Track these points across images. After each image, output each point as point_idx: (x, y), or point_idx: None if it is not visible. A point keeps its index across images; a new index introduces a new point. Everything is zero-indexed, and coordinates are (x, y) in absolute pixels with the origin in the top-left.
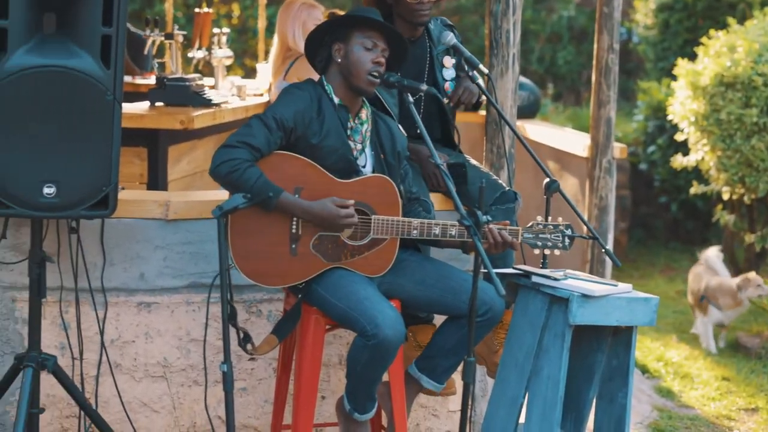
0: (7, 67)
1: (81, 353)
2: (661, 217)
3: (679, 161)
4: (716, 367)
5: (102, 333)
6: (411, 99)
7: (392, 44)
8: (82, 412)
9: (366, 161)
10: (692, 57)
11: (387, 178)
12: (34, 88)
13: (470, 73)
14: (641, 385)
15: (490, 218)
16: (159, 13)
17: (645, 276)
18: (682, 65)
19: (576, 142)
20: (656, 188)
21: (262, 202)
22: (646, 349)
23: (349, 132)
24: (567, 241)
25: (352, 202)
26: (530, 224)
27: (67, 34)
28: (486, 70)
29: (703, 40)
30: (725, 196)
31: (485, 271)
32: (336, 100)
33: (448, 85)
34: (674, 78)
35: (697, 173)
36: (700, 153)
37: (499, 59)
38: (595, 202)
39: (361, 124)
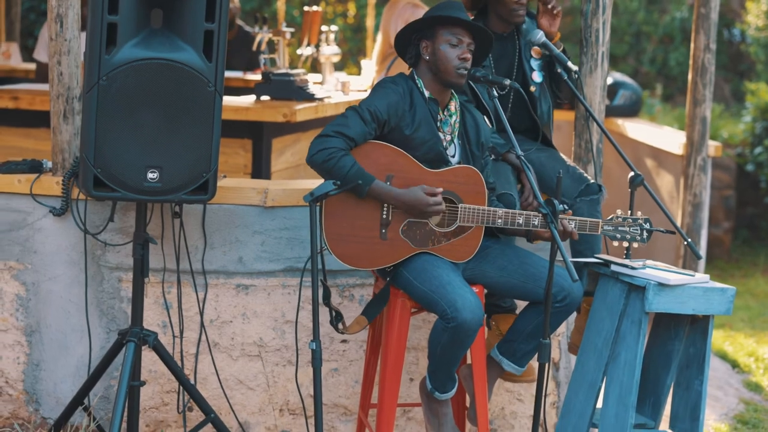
0: (116, 60)
1: (181, 332)
2: (766, 218)
3: None
4: None
5: (202, 313)
6: (496, 93)
7: (477, 37)
8: (182, 388)
9: (455, 151)
10: None
11: (474, 168)
12: (141, 79)
13: (558, 70)
14: (730, 379)
15: (566, 207)
16: (275, 12)
17: (747, 275)
18: None
19: (673, 141)
20: (762, 189)
21: (353, 188)
22: (738, 345)
23: (438, 124)
24: (645, 234)
25: (440, 190)
26: (610, 217)
27: (173, 29)
28: (575, 68)
29: None
30: None
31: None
32: (427, 93)
33: (536, 74)
34: None
35: None
36: None
37: (588, 57)
38: (689, 199)
39: (450, 116)
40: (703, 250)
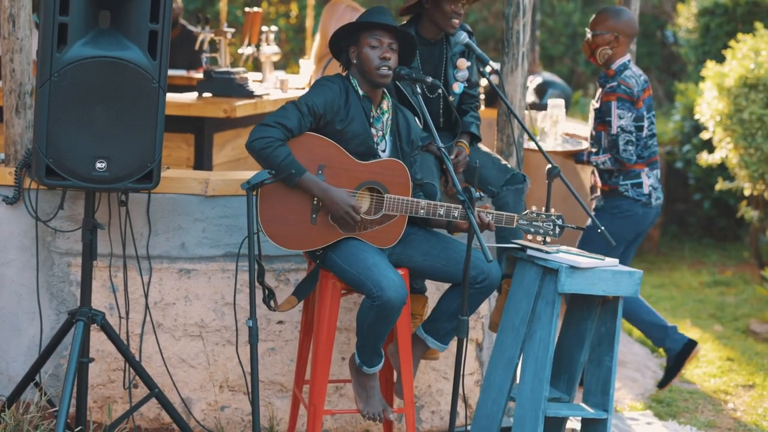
0: (66, 57)
1: (127, 313)
2: (694, 214)
3: (704, 158)
4: (723, 348)
5: (146, 296)
6: (419, 91)
7: (400, 39)
8: (128, 366)
9: (386, 146)
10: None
11: (401, 162)
12: (90, 75)
13: (481, 69)
14: (648, 363)
15: (481, 195)
16: (218, 12)
17: (673, 268)
18: (710, 67)
19: None
20: (691, 186)
21: (285, 178)
22: None
23: (371, 120)
24: (557, 230)
25: (364, 208)
26: (525, 212)
27: (120, 29)
28: (496, 67)
29: (731, 43)
30: (746, 192)
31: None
32: (361, 92)
33: (457, 85)
34: (705, 80)
35: (726, 172)
36: (723, 151)
37: (509, 57)
38: None
39: (383, 113)
40: None
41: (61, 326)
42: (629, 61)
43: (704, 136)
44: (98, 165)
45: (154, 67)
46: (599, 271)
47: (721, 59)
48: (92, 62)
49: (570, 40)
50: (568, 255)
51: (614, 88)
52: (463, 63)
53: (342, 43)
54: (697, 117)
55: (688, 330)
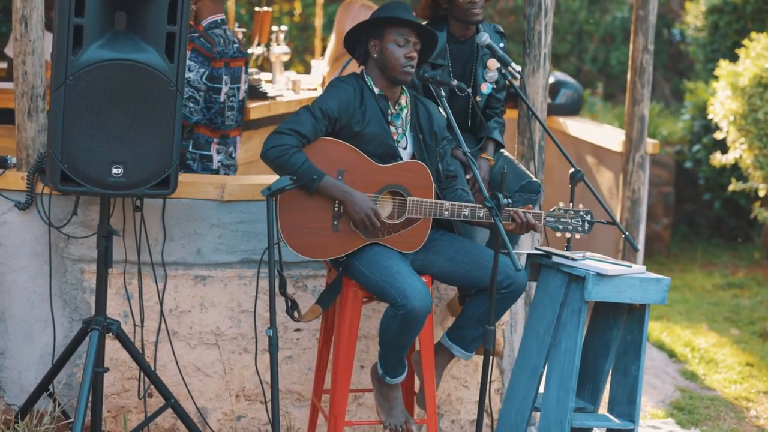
0: (82, 60)
1: (142, 321)
2: (704, 215)
3: (718, 159)
4: (741, 353)
5: (161, 303)
6: (443, 93)
7: (422, 37)
8: (142, 375)
9: (407, 143)
10: (738, 59)
11: (422, 164)
12: (105, 79)
13: (503, 71)
14: (667, 368)
15: (510, 200)
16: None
17: (685, 270)
18: (723, 66)
19: (612, 138)
20: (701, 186)
21: (305, 184)
22: (675, 336)
23: (390, 119)
24: (586, 225)
25: (387, 212)
26: (553, 209)
27: (136, 31)
28: (518, 68)
29: (745, 42)
30: (761, 193)
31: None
32: (376, 90)
33: (485, 86)
34: (717, 79)
35: (739, 172)
36: (737, 151)
37: (531, 58)
38: (628, 195)
39: (401, 109)
40: (641, 244)
41: (75, 335)
42: (223, 21)
43: (718, 136)
44: (114, 170)
45: (172, 70)
46: (626, 279)
47: (730, 57)
48: (108, 65)
49: (576, 38)
50: (594, 261)
51: (193, 38)
52: (493, 63)
53: (362, 35)
54: (710, 117)
55: (705, 334)
